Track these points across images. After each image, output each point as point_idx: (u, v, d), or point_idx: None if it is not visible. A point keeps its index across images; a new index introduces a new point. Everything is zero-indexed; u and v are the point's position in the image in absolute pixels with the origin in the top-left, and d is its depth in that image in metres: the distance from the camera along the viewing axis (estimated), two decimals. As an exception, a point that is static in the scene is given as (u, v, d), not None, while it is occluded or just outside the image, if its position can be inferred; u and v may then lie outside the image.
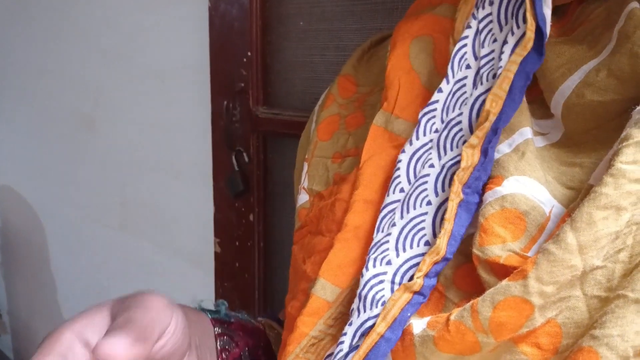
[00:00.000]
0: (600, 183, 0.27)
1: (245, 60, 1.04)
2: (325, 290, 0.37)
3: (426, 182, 0.36)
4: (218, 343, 0.45)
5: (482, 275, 0.30)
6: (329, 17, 0.98)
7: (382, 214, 0.36)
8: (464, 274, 0.33)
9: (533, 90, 0.35)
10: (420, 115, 0.37)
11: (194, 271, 1.26)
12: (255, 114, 1.05)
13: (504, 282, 0.28)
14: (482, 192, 0.33)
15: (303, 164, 0.47)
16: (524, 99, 0.34)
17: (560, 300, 0.27)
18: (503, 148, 0.33)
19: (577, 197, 0.30)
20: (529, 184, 0.31)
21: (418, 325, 0.31)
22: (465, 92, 0.36)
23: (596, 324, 0.26)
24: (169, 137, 1.27)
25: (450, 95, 0.37)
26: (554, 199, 0.31)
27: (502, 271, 0.29)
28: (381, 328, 0.32)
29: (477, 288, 0.30)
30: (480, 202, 0.33)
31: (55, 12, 1.47)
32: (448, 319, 0.29)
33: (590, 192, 0.27)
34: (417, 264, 0.33)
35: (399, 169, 0.37)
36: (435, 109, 0.37)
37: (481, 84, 0.35)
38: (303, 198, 0.46)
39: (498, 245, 0.30)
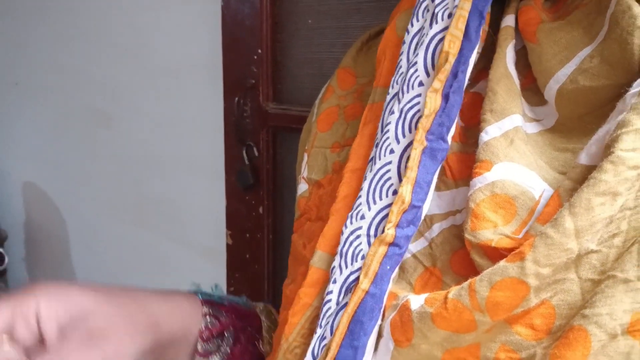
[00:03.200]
0: (600, 169, 0.27)
1: (255, 57, 1.07)
2: (322, 260, 0.37)
3: (389, 131, 0.35)
4: (203, 321, 0.46)
5: (475, 258, 0.31)
6: (336, 14, 1.00)
7: (365, 173, 0.37)
8: (460, 258, 0.33)
9: (527, 77, 0.35)
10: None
11: (207, 263, 1.29)
12: (265, 110, 1.08)
13: (502, 263, 0.28)
14: (471, 177, 0.32)
15: (303, 155, 0.48)
16: (518, 86, 0.34)
17: (555, 282, 0.28)
18: (492, 130, 0.33)
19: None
20: (517, 170, 0.31)
21: (416, 301, 0.31)
22: (424, 35, 0.36)
23: (587, 303, 0.27)
24: (182, 133, 1.30)
25: (414, 43, 0.37)
26: (544, 183, 0.32)
27: (495, 254, 0.30)
28: (365, 284, 0.33)
29: (473, 272, 0.31)
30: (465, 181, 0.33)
31: (72, 10, 1.50)
32: (446, 297, 0.29)
33: (590, 177, 0.27)
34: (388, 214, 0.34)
35: (378, 127, 0.37)
36: (401, 60, 0.37)
37: (436, 22, 0.35)
38: (302, 187, 0.46)
39: (489, 230, 0.31)
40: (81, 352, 0.34)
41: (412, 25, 0.37)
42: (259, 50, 1.06)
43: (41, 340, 0.35)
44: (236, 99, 1.10)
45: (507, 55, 0.35)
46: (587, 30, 0.32)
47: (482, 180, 0.32)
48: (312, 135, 0.47)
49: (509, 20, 0.36)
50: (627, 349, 0.26)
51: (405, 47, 0.37)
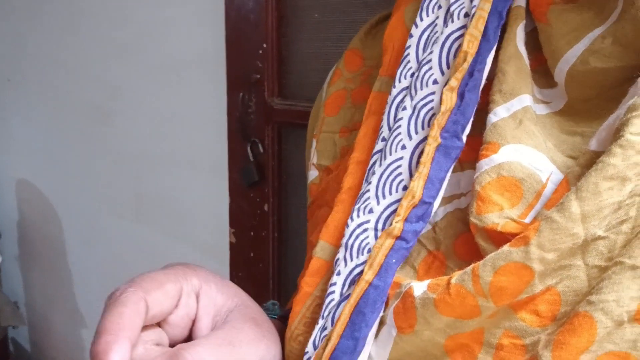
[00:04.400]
0: (608, 153, 0.26)
1: (260, 52, 1.05)
2: (324, 250, 0.37)
3: (400, 126, 0.35)
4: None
5: (480, 243, 0.31)
6: (343, 8, 0.99)
7: (369, 166, 0.36)
8: (464, 242, 0.33)
9: (537, 59, 0.35)
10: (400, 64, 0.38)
11: (209, 261, 1.28)
12: (270, 105, 1.06)
13: (506, 247, 0.28)
14: (478, 159, 0.32)
15: (312, 140, 0.47)
16: (528, 66, 0.34)
17: (560, 268, 0.27)
18: (500, 111, 0.32)
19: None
20: (525, 151, 0.31)
21: (419, 287, 0.31)
22: (437, 32, 0.36)
23: (593, 290, 0.26)
24: (184, 129, 1.28)
25: (424, 38, 0.37)
26: (553, 165, 0.31)
27: (500, 238, 0.29)
28: (369, 276, 0.32)
29: (477, 256, 0.30)
30: (472, 165, 0.32)
31: (71, 5, 1.48)
32: (449, 282, 0.29)
33: (598, 161, 0.27)
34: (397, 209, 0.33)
35: (382, 120, 0.37)
36: (408, 54, 0.37)
37: (452, 21, 0.35)
38: (313, 174, 0.46)
39: (495, 213, 0.30)
40: (252, 331, 0.33)
41: (421, 19, 0.37)
42: (264, 45, 1.05)
43: (192, 321, 0.33)
44: (240, 94, 1.08)
45: (518, 35, 0.34)
46: (599, 12, 0.32)
47: (489, 162, 0.31)
48: (320, 119, 0.47)
49: (520, 1, 0.35)
50: (634, 336, 0.26)
51: (413, 41, 0.37)
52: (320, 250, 0.37)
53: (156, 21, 1.28)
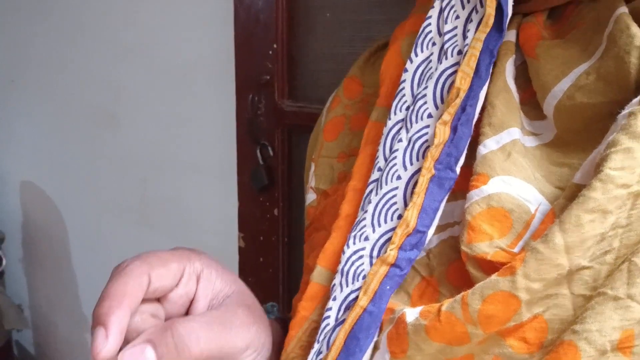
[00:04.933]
0: (589, 187, 0.28)
1: (270, 52, 1.03)
2: (322, 276, 0.38)
3: (396, 157, 0.37)
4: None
5: (470, 271, 0.32)
6: (355, 8, 0.97)
7: (365, 194, 0.38)
8: (456, 269, 0.34)
9: (527, 91, 0.36)
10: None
11: (217, 266, 1.26)
12: (281, 107, 1.04)
13: (493, 277, 0.29)
14: (468, 190, 0.33)
15: (311, 163, 0.49)
16: (517, 100, 0.35)
17: (547, 297, 0.28)
18: (490, 144, 0.34)
19: None
20: (514, 183, 0.32)
21: (411, 314, 0.32)
22: (431, 68, 0.38)
23: (577, 319, 0.28)
24: (192, 131, 1.27)
25: (418, 73, 0.38)
26: (541, 196, 0.32)
27: (490, 267, 0.30)
28: (364, 301, 0.34)
29: (468, 284, 0.31)
30: (461, 191, 0.34)
31: (76, 7, 1.47)
32: (439, 310, 0.30)
33: (579, 195, 0.28)
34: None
35: (378, 150, 0.38)
36: (403, 88, 0.39)
37: (445, 58, 0.37)
38: (311, 197, 0.47)
39: (485, 243, 0.31)
40: (244, 315, 0.35)
41: (416, 55, 0.38)
42: (274, 45, 1.03)
43: (190, 301, 0.36)
44: (250, 96, 1.06)
45: (507, 69, 0.36)
46: (585, 48, 0.33)
47: (479, 193, 0.32)
48: (319, 144, 0.48)
49: (509, 36, 0.37)
50: None
51: (408, 76, 0.39)
52: (318, 276, 0.38)
53: (163, 22, 1.26)
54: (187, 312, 0.36)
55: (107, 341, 0.30)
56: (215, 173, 1.23)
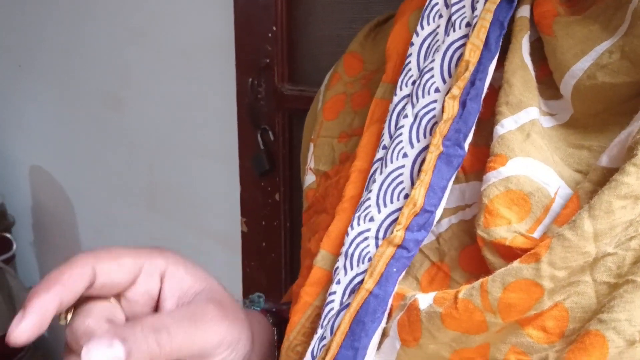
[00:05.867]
0: (622, 172, 0.26)
1: (270, 35, 1.02)
2: (326, 260, 0.37)
3: (401, 134, 0.35)
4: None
5: (487, 256, 0.30)
6: (356, -11, 0.95)
7: (370, 174, 0.36)
8: (469, 255, 0.33)
9: (542, 70, 0.34)
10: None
11: (221, 251, 1.26)
12: (281, 91, 1.03)
13: (516, 263, 0.28)
14: (485, 171, 0.32)
15: (309, 144, 0.47)
16: (534, 78, 0.34)
17: (569, 284, 0.27)
18: (508, 123, 0.32)
19: (584, 179, 0.30)
20: (533, 165, 0.31)
21: (424, 300, 0.30)
22: (438, 40, 0.36)
23: (604, 308, 0.26)
24: (194, 116, 1.26)
25: (425, 46, 0.37)
26: (560, 179, 0.31)
27: (508, 252, 0.29)
28: (369, 284, 0.32)
29: (482, 269, 0.30)
30: (477, 179, 0.32)
31: (80, -10, 1.46)
32: (456, 297, 0.29)
33: (611, 180, 0.27)
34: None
35: (384, 128, 0.37)
36: (410, 62, 0.37)
37: (453, 30, 0.35)
38: (310, 179, 0.46)
39: (503, 227, 0.30)
40: (215, 311, 0.33)
41: (422, 27, 0.37)
42: (274, 28, 1.01)
43: (155, 301, 0.35)
44: (250, 80, 1.05)
45: (523, 46, 0.34)
46: (605, 25, 0.32)
47: (497, 175, 0.31)
48: (318, 124, 0.46)
49: (524, 11, 0.35)
50: None
51: (414, 49, 0.37)
52: (322, 260, 0.37)
53: (166, 6, 1.25)
54: (155, 312, 0.35)
55: (20, 323, 0.28)
56: (219, 158, 1.22)
